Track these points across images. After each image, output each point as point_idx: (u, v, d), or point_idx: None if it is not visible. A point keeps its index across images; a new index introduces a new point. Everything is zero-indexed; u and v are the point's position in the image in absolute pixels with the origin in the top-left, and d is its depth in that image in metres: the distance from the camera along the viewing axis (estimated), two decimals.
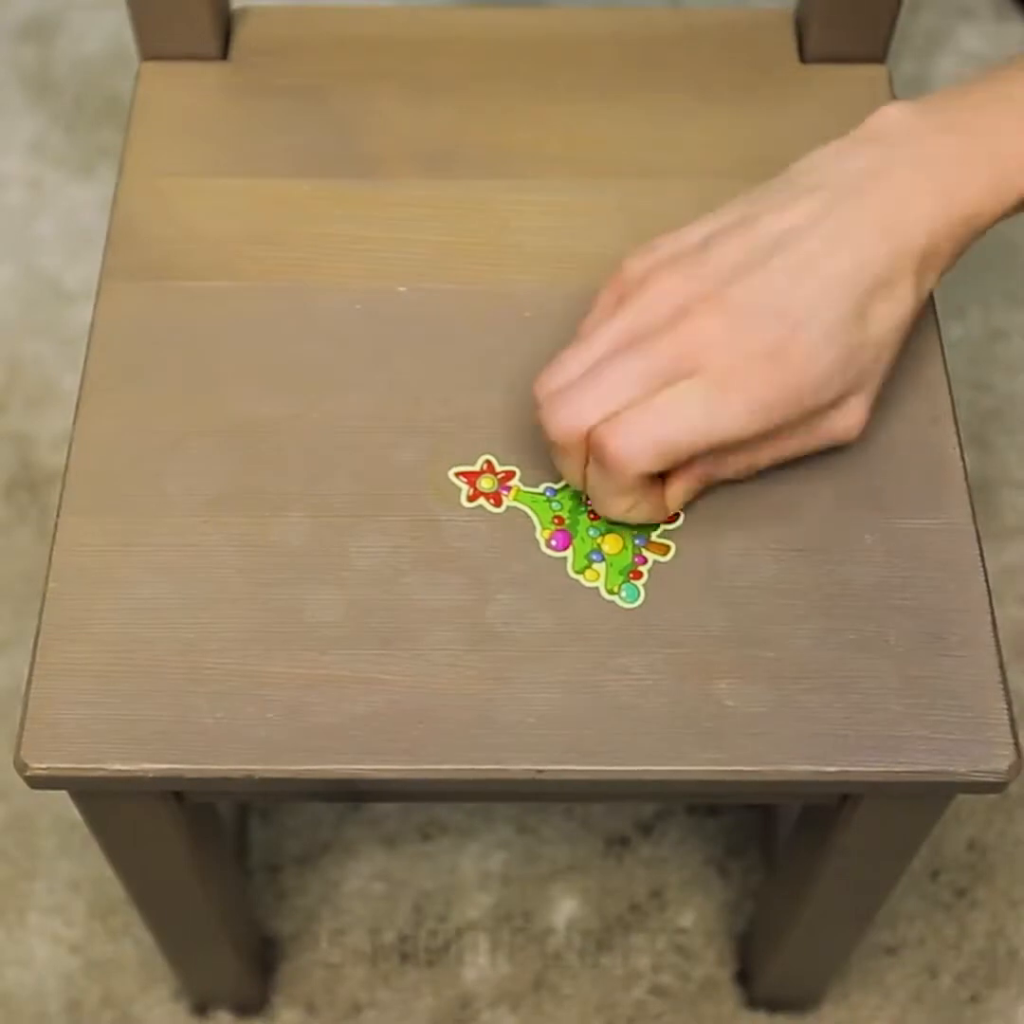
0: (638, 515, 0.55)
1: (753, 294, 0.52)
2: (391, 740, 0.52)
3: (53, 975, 0.86)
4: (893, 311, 0.53)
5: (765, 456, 0.55)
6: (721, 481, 0.56)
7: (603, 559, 0.56)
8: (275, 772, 0.52)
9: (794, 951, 0.75)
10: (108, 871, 0.65)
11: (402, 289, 0.62)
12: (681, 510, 0.56)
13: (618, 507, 0.54)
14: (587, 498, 0.56)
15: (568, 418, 0.52)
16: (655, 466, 0.52)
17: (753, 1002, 0.85)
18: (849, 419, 0.54)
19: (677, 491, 0.55)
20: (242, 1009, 0.85)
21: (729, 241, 0.53)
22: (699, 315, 0.52)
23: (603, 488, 0.53)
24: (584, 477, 0.54)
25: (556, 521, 0.56)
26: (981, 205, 0.53)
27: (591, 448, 0.52)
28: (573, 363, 0.54)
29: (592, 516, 0.56)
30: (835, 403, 0.53)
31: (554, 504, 0.57)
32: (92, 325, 0.61)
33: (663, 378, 0.51)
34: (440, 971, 0.86)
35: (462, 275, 0.62)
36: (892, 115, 0.54)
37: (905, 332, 0.54)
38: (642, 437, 0.51)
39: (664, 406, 0.51)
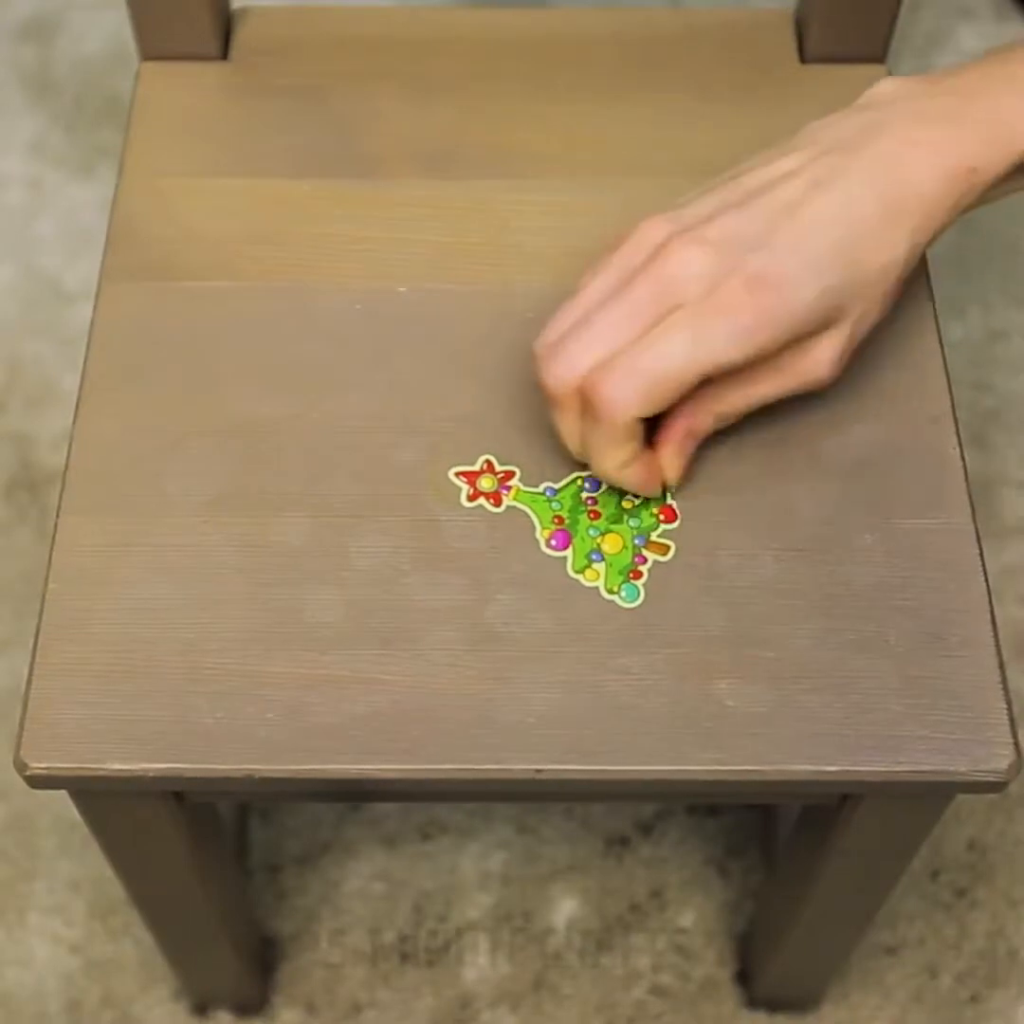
0: (632, 476, 0.55)
1: (731, 230, 0.52)
2: (391, 740, 0.52)
3: (53, 975, 0.86)
4: (881, 256, 0.53)
5: (740, 399, 0.55)
6: (706, 438, 0.56)
7: (603, 559, 0.56)
8: (275, 772, 0.52)
9: (794, 951, 0.75)
10: (108, 871, 0.65)
11: (402, 289, 0.62)
12: (679, 483, 0.56)
13: (613, 460, 0.54)
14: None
15: (561, 369, 0.53)
16: (647, 407, 0.52)
17: (753, 1002, 0.85)
18: (822, 356, 0.54)
19: (668, 454, 0.55)
20: (242, 1009, 0.85)
21: (713, 193, 0.54)
22: (676, 249, 0.52)
23: (597, 440, 0.54)
24: (580, 437, 0.54)
25: (556, 521, 0.56)
26: (978, 157, 0.53)
27: (584, 398, 0.53)
28: (566, 318, 0.54)
29: (592, 516, 0.56)
30: (811, 338, 0.53)
31: (554, 504, 0.57)
32: (92, 325, 0.61)
33: (648, 316, 0.52)
34: (440, 971, 0.86)
35: (462, 275, 0.62)
36: (888, 86, 0.55)
37: (896, 282, 0.54)
38: (631, 378, 0.52)
39: (650, 344, 0.52)
